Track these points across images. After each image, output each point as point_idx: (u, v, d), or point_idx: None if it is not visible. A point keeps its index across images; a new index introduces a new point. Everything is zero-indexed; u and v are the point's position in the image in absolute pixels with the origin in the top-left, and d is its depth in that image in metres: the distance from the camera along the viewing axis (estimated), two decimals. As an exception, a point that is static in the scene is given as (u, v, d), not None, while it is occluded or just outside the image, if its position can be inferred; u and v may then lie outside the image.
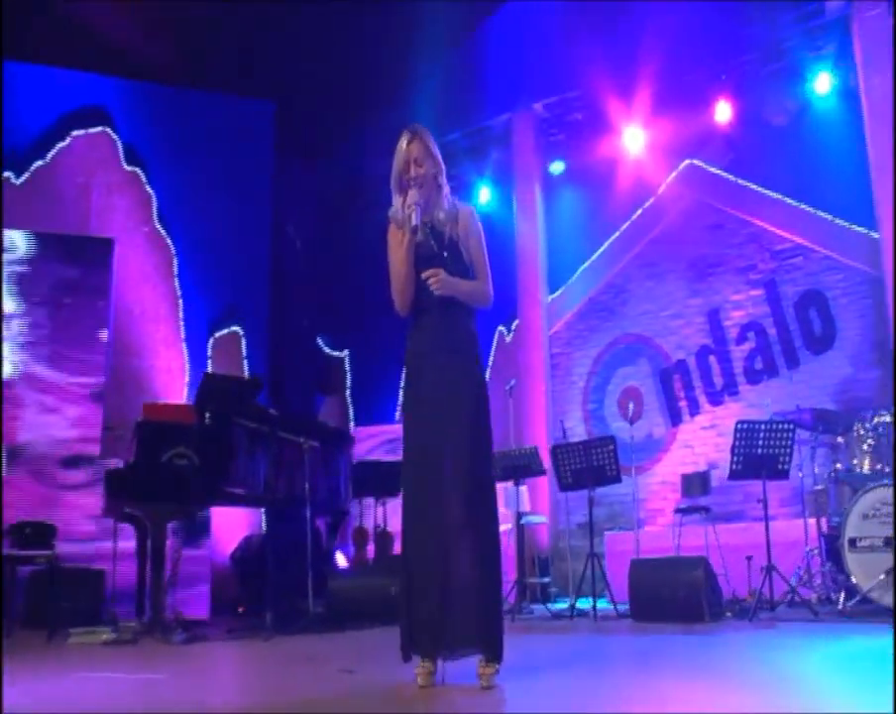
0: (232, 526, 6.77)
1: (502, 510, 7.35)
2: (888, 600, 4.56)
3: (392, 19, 8.63)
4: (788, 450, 5.13)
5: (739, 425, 5.21)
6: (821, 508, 5.51)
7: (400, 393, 3.14)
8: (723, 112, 7.68)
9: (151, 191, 7.70)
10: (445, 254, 3.00)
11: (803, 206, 7.27)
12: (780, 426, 5.15)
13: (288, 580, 5.59)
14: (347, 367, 9.12)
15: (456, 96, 9.15)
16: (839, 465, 5.30)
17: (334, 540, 5.75)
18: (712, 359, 7.37)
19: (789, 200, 7.33)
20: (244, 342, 7.62)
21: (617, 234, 8.16)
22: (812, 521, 5.61)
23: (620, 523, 7.14)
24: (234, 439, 5.00)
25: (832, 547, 5.37)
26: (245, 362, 7.55)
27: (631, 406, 6.45)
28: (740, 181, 7.63)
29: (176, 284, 7.49)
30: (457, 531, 2.82)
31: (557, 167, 8.59)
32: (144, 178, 7.73)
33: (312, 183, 9.46)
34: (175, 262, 7.53)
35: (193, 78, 7.81)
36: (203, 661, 3.92)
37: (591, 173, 8.38)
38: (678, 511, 6.27)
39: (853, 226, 7.03)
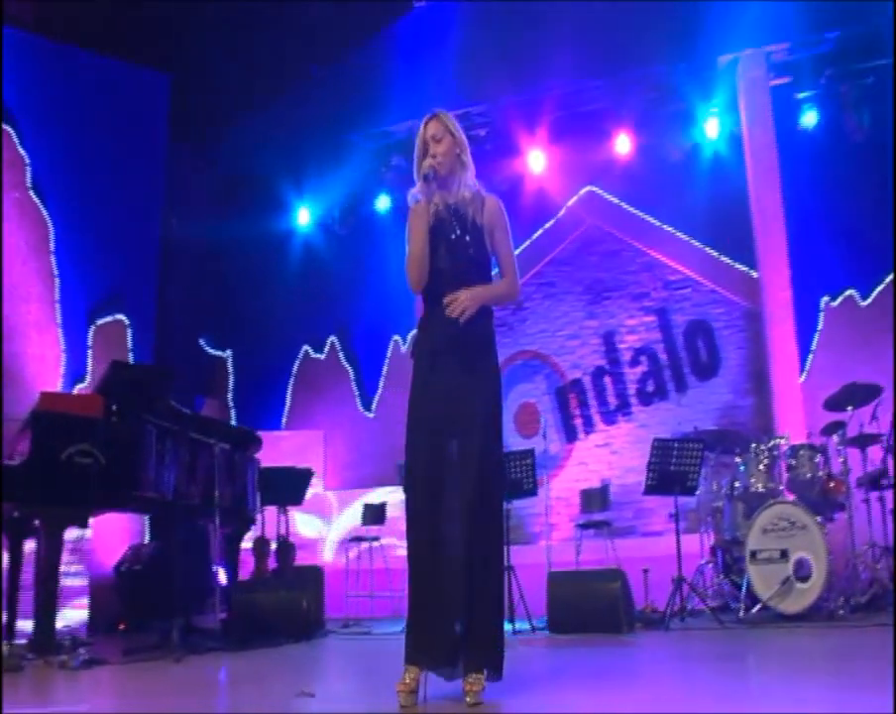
0: (109, 535, 6.12)
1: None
2: (784, 607, 4.90)
3: (298, 12, 8.36)
4: (697, 468, 5.40)
5: (656, 442, 5.43)
6: (717, 523, 5.84)
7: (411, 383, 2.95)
8: (622, 145, 8.08)
9: (23, 153, 6.86)
10: (467, 238, 2.87)
11: (693, 241, 7.78)
12: (691, 445, 5.42)
13: (189, 594, 5.15)
14: (230, 368, 8.61)
15: (359, 97, 8.99)
16: (737, 483, 5.64)
17: (238, 552, 5.34)
18: (606, 379, 7.68)
19: (681, 235, 7.81)
20: (129, 333, 6.96)
21: (518, 251, 8.28)
22: (697, 535, 5.97)
23: (518, 536, 7.21)
24: (146, 438, 4.53)
25: (727, 560, 5.72)
26: (130, 355, 6.88)
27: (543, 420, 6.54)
28: (637, 212, 8.04)
29: (53, 261, 6.70)
30: (469, 546, 2.69)
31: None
32: (15, 138, 6.86)
33: (203, 171, 8.90)
34: (52, 237, 6.73)
35: (82, 37, 7.07)
36: (131, 689, 3.48)
37: (492, 189, 8.42)
38: (580, 525, 6.42)
39: (736, 264, 7.61)
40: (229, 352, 8.58)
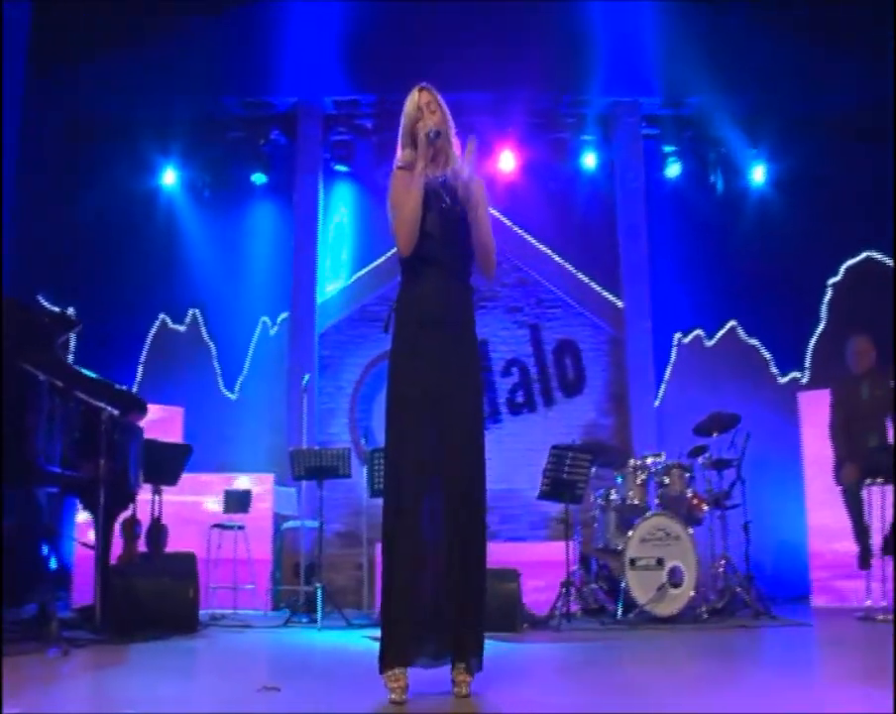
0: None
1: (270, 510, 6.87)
2: (659, 611, 5.36)
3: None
4: (586, 478, 5.74)
5: (553, 450, 5.68)
6: (589, 532, 6.23)
7: (391, 356, 2.86)
8: (507, 161, 8.36)
9: None
10: (457, 208, 2.85)
11: (567, 265, 8.25)
12: (583, 456, 5.74)
13: (40, 578, 4.55)
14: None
15: (240, 60, 8.50)
16: (613, 495, 6.06)
17: (112, 533, 4.78)
18: (479, 386, 7.87)
19: (556, 257, 8.24)
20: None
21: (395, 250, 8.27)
22: (561, 543, 6.32)
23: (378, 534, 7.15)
24: (40, 394, 3.95)
25: (602, 566, 6.12)
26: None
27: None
28: (517, 229, 8.36)
29: None
30: (456, 532, 2.72)
31: (343, 167, 8.45)
32: None
33: (62, 110, 7.89)
34: None
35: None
36: (32, 689, 3.00)
37: (376, 181, 8.39)
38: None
39: (604, 292, 8.18)
40: (72, 310, 7.65)
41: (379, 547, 6.63)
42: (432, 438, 2.72)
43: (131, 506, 4.96)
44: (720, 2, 8.63)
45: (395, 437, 2.74)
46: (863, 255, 8.07)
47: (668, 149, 8.56)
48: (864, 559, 5.34)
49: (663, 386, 7.86)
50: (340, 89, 8.51)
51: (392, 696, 2.55)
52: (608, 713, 2.37)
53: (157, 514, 5.41)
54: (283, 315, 8.02)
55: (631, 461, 6.05)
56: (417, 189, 2.77)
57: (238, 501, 6.65)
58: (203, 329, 7.99)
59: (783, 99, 8.20)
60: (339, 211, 8.38)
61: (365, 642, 4.30)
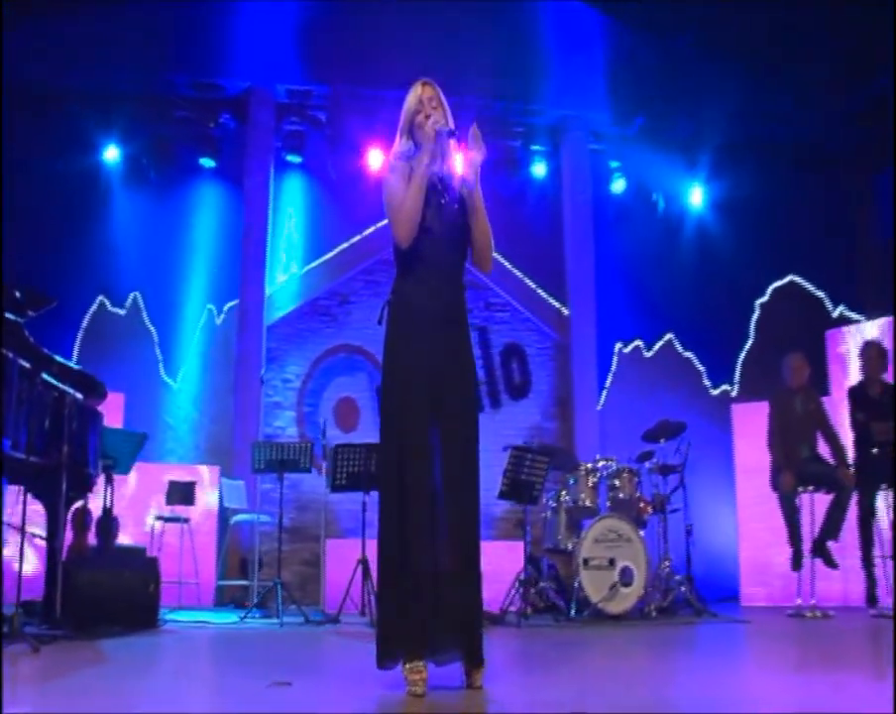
0: None
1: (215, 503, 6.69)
2: (611, 609, 5.57)
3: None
4: (543, 480, 5.89)
5: (514, 451, 5.81)
6: (544, 532, 6.40)
7: (387, 350, 2.86)
8: (457, 163, 8.44)
9: None
10: (455, 206, 2.86)
11: (515, 271, 8.42)
12: (541, 458, 5.90)
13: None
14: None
15: (191, 38, 8.23)
16: (566, 497, 6.24)
17: (65, 523, 4.56)
18: (427, 385, 7.92)
19: (505, 262, 8.40)
20: None
21: (348, 244, 8.25)
22: (505, 542, 6.49)
23: (330, 530, 7.10)
24: (10, 376, 3.75)
25: (551, 566, 6.30)
26: None
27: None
28: (467, 232, 8.45)
29: None
30: (455, 526, 2.72)
31: (295, 157, 8.33)
32: None
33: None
34: None
35: None
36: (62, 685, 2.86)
37: (329, 174, 8.32)
38: (364, 523, 6.55)
39: (550, 298, 8.41)
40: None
41: (331, 543, 6.60)
42: (432, 427, 2.70)
43: (88, 494, 4.74)
44: (667, 28, 9.03)
45: (396, 428, 2.71)
46: (788, 278, 8.63)
47: (614, 164, 8.89)
48: (797, 561, 5.73)
49: (604, 392, 8.15)
50: (294, 78, 8.38)
51: (415, 689, 2.55)
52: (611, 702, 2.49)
53: (108, 504, 5.19)
54: (230, 304, 7.82)
55: (583, 464, 6.25)
56: (421, 182, 2.75)
57: (181, 493, 6.47)
58: (144, 314, 7.70)
59: (722, 126, 8.66)
60: (290, 202, 8.25)
61: (344, 639, 4.29)
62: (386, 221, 8.58)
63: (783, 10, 7.68)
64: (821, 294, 8.62)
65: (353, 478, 5.59)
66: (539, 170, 8.70)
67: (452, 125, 2.95)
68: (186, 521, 6.33)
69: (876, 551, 5.73)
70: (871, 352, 6.09)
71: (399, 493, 2.69)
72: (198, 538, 6.43)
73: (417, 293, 2.77)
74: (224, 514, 6.82)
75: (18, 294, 3.96)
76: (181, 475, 6.68)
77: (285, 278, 8.04)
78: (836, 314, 8.52)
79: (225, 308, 7.86)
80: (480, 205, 2.88)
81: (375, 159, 8.29)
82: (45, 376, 4.19)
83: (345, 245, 8.19)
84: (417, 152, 2.86)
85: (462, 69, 8.60)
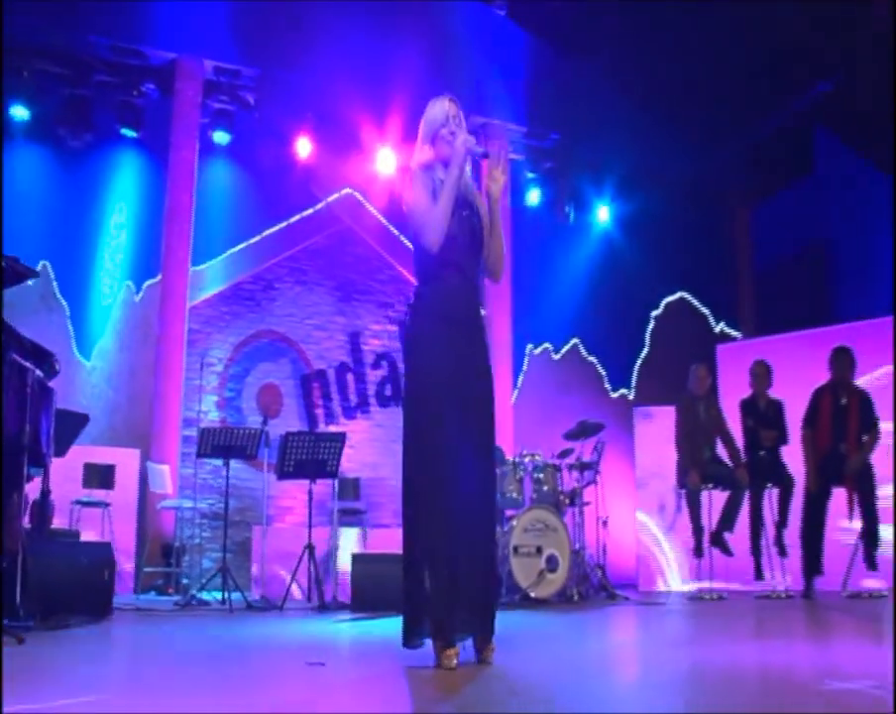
0: None
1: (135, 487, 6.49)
2: (538, 593, 5.97)
3: None
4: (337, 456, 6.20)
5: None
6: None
7: (411, 350, 3.00)
8: (385, 160, 8.59)
9: None
10: (475, 220, 3.05)
11: (436, 269, 8.67)
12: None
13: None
14: None
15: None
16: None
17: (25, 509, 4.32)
18: (349, 376, 8.03)
19: (427, 260, 8.63)
20: None
21: (275, 230, 8.18)
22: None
23: (249, 517, 7.06)
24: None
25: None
26: None
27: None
28: (391, 228, 8.63)
29: None
30: (480, 513, 2.96)
31: (222, 136, 8.14)
32: None
33: None
34: None
35: None
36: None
37: (257, 159, 8.21)
38: (341, 511, 6.66)
39: (468, 299, 8.73)
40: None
41: (258, 530, 6.58)
42: (458, 419, 2.88)
43: (37, 476, 4.52)
44: (582, 52, 9.61)
45: (427, 420, 2.87)
46: (678, 294, 9.48)
47: (530, 175, 9.37)
48: (699, 549, 6.39)
49: (516, 391, 8.59)
50: (223, 55, 8.20)
51: (449, 663, 2.74)
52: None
53: (46, 487, 4.94)
54: (150, 282, 7.54)
55: (511, 459, 6.63)
56: (451, 194, 2.91)
57: (100, 476, 6.22)
58: (55, 285, 7.26)
59: (624, 153, 9.35)
60: (216, 181, 8.06)
61: (302, 622, 4.38)
62: (309, 211, 8.55)
63: (678, 58, 8.46)
64: (705, 310, 9.53)
65: (300, 465, 5.63)
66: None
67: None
68: (107, 506, 6.10)
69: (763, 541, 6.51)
70: (759, 369, 6.86)
71: (429, 486, 2.85)
72: (117, 524, 6.20)
73: (442, 296, 2.92)
74: (145, 498, 6.62)
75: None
76: (98, 457, 6.41)
77: (210, 260, 7.85)
78: (717, 330, 9.46)
79: (145, 286, 7.58)
80: (498, 220, 3.09)
81: (302, 147, 8.27)
82: (11, 353, 4.01)
83: (271, 231, 8.12)
84: (438, 163, 3.00)
85: (388, 64, 8.75)
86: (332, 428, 7.82)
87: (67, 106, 7.56)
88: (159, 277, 7.45)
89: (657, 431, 7.40)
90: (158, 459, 6.69)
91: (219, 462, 6.93)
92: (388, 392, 8.21)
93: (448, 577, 2.80)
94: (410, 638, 2.87)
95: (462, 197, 2.99)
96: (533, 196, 9.26)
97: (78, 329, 7.28)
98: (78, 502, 6.09)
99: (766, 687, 2.35)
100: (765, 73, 8.76)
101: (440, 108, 3.05)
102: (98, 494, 6.15)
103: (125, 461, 6.58)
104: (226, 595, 5.18)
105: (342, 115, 8.49)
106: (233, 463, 6.70)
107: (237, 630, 4.20)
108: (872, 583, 6.12)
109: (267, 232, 8.14)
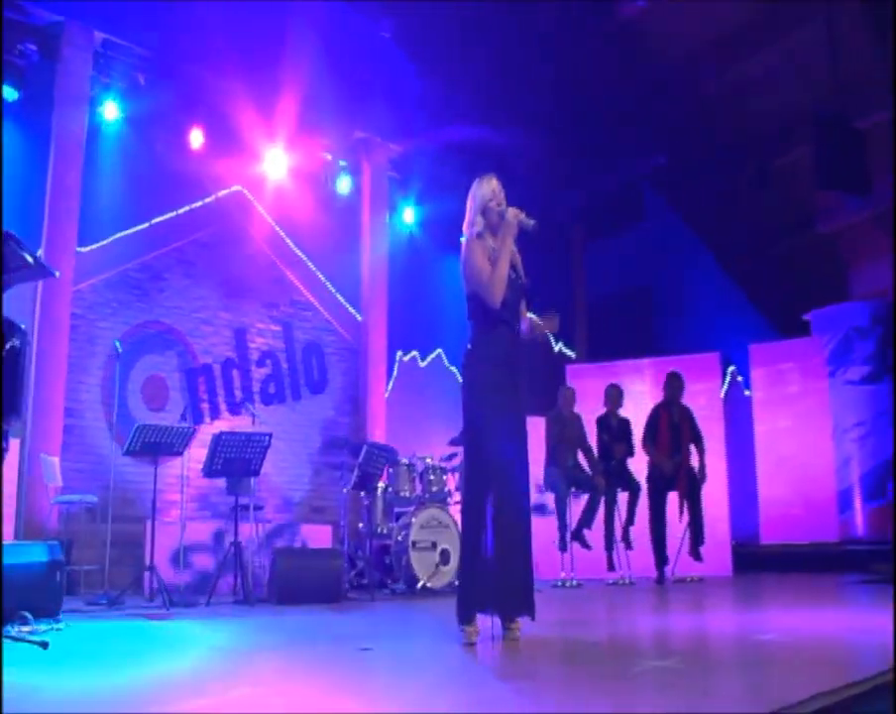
0: None
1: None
2: (433, 584, 6.65)
3: None
4: (381, 472, 6.73)
5: (368, 447, 6.56)
6: (360, 517, 7.20)
7: (471, 387, 3.64)
8: (275, 162, 8.73)
9: None
10: (519, 282, 3.73)
11: (318, 274, 8.99)
12: (385, 454, 6.74)
13: None
14: None
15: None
16: (388, 488, 7.14)
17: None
18: (235, 372, 8.10)
19: (310, 265, 8.93)
20: None
21: (163, 219, 8.02)
22: (318, 526, 7.20)
23: (132, 511, 6.96)
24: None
25: (379, 547, 7.14)
26: None
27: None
28: (278, 229, 8.80)
29: None
30: (516, 519, 3.65)
31: (111, 111, 7.81)
32: None
33: None
34: None
35: None
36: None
37: (149, 144, 7.97)
38: (237, 508, 6.82)
39: (348, 306, 9.16)
40: None
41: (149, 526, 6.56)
42: (509, 440, 3.58)
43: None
44: (454, 85, 10.38)
45: (482, 447, 3.51)
46: (528, 314, 10.57)
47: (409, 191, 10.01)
48: (564, 544, 7.43)
49: (387, 394, 9.16)
50: (114, 29, 7.88)
51: (472, 638, 3.41)
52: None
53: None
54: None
55: (403, 460, 7.23)
56: (506, 259, 3.59)
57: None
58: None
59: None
60: (105, 161, 7.74)
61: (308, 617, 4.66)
62: (198, 204, 8.62)
63: (545, 107, 9.59)
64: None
65: (227, 464, 5.80)
66: (344, 185, 9.32)
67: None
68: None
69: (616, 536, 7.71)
70: (613, 392, 8.10)
71: (481, 499, 3.46)
72: None
73: (496, 344, 3.58)
74: (23, 490, 6.32)
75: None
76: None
77: (93, 247, 7.52)
78: (556, 349, 10.71)
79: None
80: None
81: (195, 138, 8.19)
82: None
83: (161, 219, 7.95)
84: (487, 231, 3.64)
85: (274, 67, 8.88)
86: (217, 423, 7.87)
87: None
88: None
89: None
90: (34, 451, 6.42)
91: (102, 454, 6.83)
92: (271, 390, 8.39)
93: (485, 571, 3.42)
94: (465, 616, 3.43)
95: (512, 262, 3.61)
96: (407, 215, 9.90)
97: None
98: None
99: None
100: (614, 138, 10.16)
101: (488, 185, 3.65)
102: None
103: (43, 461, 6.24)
104: (164, 594, 5.25)
105: (232, 112, 8.48)
106: (115, 456, 6.64)
107: (237, 621, 4.39)
108: (694, 572, 7.54)
109: (156, 220, 7.96)
